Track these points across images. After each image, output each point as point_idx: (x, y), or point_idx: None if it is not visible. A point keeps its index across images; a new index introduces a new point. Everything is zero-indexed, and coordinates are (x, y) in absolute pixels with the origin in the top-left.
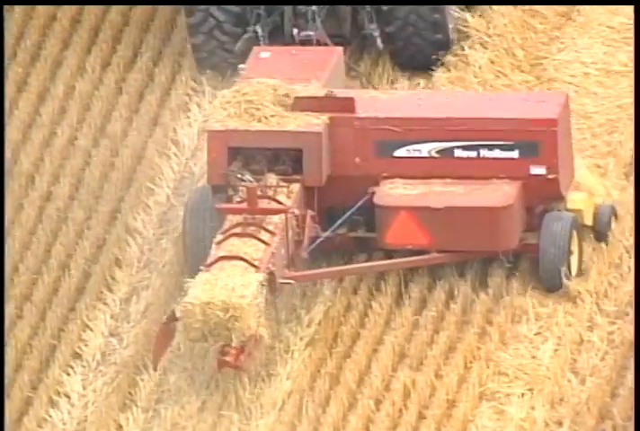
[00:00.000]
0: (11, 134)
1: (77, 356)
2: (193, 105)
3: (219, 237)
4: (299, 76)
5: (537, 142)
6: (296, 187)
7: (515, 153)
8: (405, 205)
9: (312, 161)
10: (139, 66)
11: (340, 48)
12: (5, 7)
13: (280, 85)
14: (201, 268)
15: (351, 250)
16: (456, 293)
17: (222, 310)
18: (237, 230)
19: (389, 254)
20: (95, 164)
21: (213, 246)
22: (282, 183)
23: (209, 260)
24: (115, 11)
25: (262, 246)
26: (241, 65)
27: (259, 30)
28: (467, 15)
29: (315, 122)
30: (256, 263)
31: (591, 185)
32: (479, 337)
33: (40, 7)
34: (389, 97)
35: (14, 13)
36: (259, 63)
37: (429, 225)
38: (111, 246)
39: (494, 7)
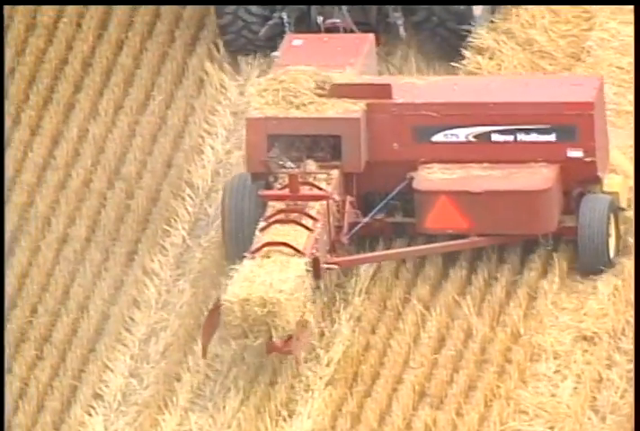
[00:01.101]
0: (26, 177)
1: (98, 396)
2: (207, 147)
3: (262, 224)
4: (333, 63)
5: (574, 125)
6: (335, 173)
7: (552, 137)
8: (445, 189)
9: (351, 147)
10: (152, 109)
11: (371, 35)
12: (15, 51)
13: (316, 72)
14: (246, 254)
15: (390, 236)
16: (474, 332)
17: (260, 306)
18: (280, 216)
19: (429, 239)
20: (111, 206)
21: (257, 233)
22: (322, 170)
23: (254, 247)
24: (126, 54)
25: (306, 232)
26: (274, 53)
27: (284, 16)
28: (479, 58)
29: (353, 109)
30: (301, 249)
31: (626, 167)
32: (499, 375)
33: (51, 50)
34: (425, 83)
35: (25, 57)
36: (292, 50)
37: (468, 209)
38: (128, 287)
39: (504, 50)
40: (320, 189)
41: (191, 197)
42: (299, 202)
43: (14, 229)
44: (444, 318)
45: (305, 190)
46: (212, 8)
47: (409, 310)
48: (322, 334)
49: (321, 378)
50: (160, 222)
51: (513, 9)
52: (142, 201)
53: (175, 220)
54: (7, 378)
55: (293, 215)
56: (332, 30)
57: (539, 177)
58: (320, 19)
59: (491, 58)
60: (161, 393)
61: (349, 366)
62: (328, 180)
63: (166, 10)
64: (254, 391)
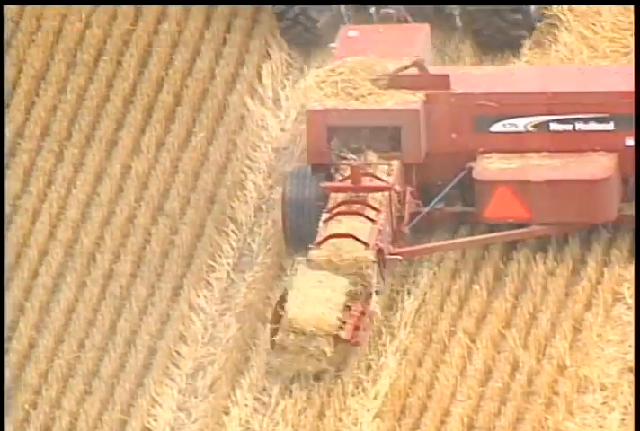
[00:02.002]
0: (70, 214)
1: (148, 430)
2: (249, 183)
3: (326, 215)
4: (390, 54)
5: (632, 114)
6: (395, 164)
7: (610, 126)
8: (504, 179)
9: (410, 138)
10: (194, 145)
11: (426, 25)
12: (57, 89)
13: (374, 63)
14: (311, 246)
15: (451, 226)
16: (520, 364)
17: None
18: (343, 208)
19: (492, 228)
20: (155, 242)
21: (320, 224)
22: (382, 161)
23: (319, 239)
24: (167, 91)
25: (369, 223)
26: (331, 44)
27: (342, 7)
28: None
29: (413, 99)
30: (365, 240)
31: None
32: (546, 407)
33: (92, 88)
34: (482, 73)
35: (67, 95)
36: (349, 42)
37: (528, 199)
38: (174, 322)
39: None
40: (381, 180)
41: (234, 233)
42: (361, 193)
43: (59, 265)
44: (490, 350)
45: (366, 182)
46: (251, 44)
47: (455, 342)
48: (369, 367)
49: (369, 411)
50: (204, 257)
51: (552, 45)
52: (186, 237)
53: (220, 255)
54: (56, 413)
55: (356, 207)
56: (386, 19)
57: (598, 166)
58: (372, 9)
59: None
60: (210, 427)
61: (396, 399)
62: (389, 171)
63: (206, 47)
64: (303, 425)
